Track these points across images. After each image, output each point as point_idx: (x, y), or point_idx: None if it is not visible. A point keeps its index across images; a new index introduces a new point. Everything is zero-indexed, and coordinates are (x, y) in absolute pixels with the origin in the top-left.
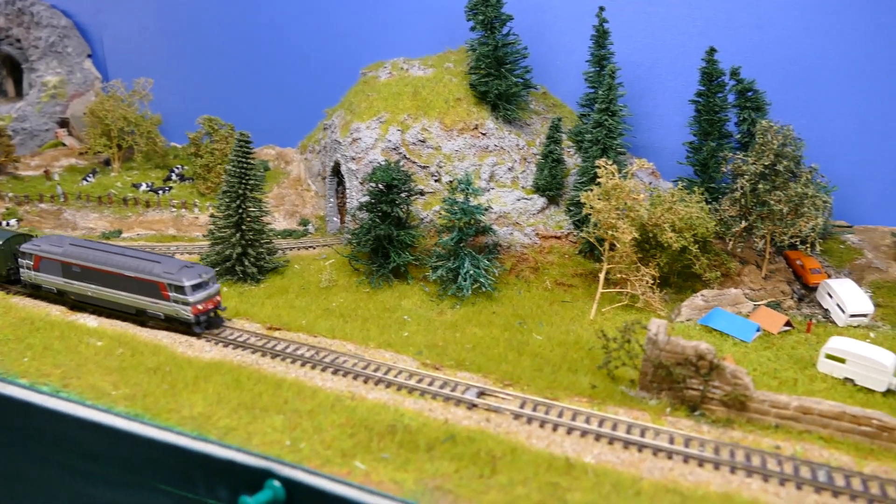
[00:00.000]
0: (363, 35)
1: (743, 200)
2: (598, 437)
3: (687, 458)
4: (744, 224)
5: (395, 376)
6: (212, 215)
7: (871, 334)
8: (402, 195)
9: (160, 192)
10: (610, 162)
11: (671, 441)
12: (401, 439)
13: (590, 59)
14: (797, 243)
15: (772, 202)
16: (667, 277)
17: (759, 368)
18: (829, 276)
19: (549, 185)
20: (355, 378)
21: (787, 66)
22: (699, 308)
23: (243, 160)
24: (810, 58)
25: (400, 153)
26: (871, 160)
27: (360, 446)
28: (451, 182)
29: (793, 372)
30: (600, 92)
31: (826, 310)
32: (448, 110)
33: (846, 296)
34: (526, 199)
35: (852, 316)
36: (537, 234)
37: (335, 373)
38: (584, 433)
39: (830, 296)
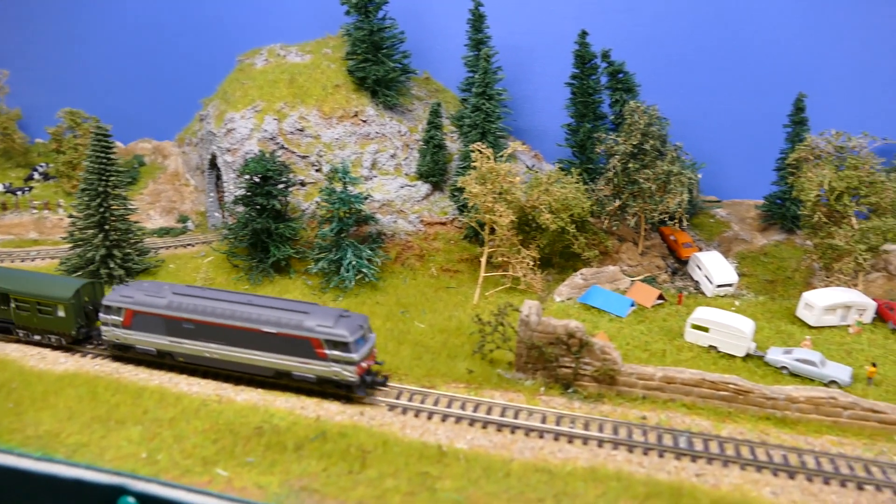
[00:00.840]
0: (241, 20)
1: (616, 180)
2: (472, 422)
3: (557, 436)
4: (617, 203)
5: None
6: (70, 216)
7: (737, 302)
8: (279, 186)
9: (20, 192)
10: (484, 145)
11: (543, 420)
12: (268, 441)
13: (468, 44)
14: (666, 219)
15: (641, 180)
16: (549, 258)
17: (632, 342)
18: (701, 250)
19: (432, 171)
20: (225, 380)
21: (656, 49)
22: (579, 287)
23: (102, 155)
24: (679, 40)
25: (277, 143)
26: (737, 138)
27: (223, 452)
28: (329, 171)
29: (662, 343)
30: (477, 76)
31: (697, 282)
32: (326, 97)
33: (713, 267)
34: (410, 186)
35: (719, 286)
36: (422, 221)
37: (204, 376)
38: (458, 419)
39: (699, 268)
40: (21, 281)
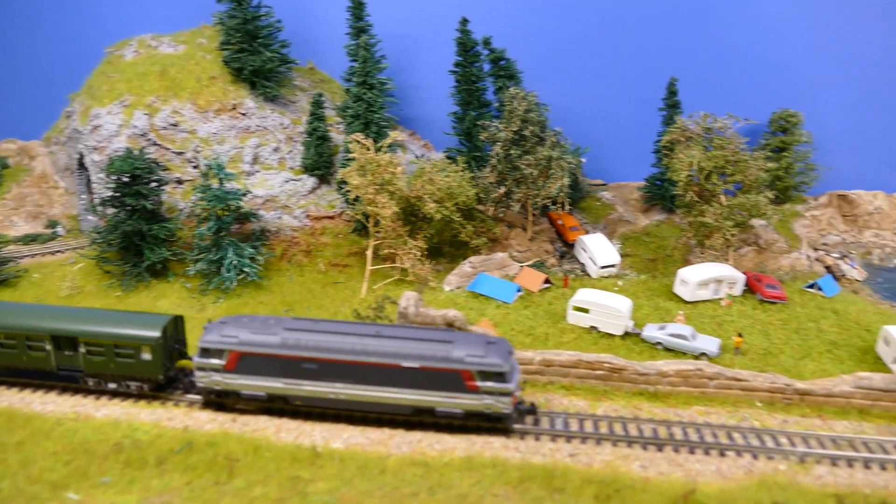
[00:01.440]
0: (112, 9)
1: (499, 167)
2: (350, 420)
3: (438, 428)
4: (502, 190)
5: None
6: None
7: (619, 282)
8: (151, 185)
9: None
10: (363, 136)
11: None
12: (128, 457)
13: (349, 32)
14: (549, 204)
15: (523, 166)
16: (439, 248)
17: (517, 327)
18: (588, 233)
19: (317, 164)
20: (86, 395)
21: (538, 36)
22: (468, 275)
23: None
24: (559, 27)
25: (149, 139)
26: (618, 122)
27: (76, 474)
28: (204, 168)
29: (546, 327)
30: (357, 65)
31: (583, 264)
32: (202, 90)
33: (596, 249)
34: (295, 180)
35: (602, 267)
36: (308, 216)
37: (61, 393)
38: (335, 418)
39: (584, 251)
40: (93, 321)
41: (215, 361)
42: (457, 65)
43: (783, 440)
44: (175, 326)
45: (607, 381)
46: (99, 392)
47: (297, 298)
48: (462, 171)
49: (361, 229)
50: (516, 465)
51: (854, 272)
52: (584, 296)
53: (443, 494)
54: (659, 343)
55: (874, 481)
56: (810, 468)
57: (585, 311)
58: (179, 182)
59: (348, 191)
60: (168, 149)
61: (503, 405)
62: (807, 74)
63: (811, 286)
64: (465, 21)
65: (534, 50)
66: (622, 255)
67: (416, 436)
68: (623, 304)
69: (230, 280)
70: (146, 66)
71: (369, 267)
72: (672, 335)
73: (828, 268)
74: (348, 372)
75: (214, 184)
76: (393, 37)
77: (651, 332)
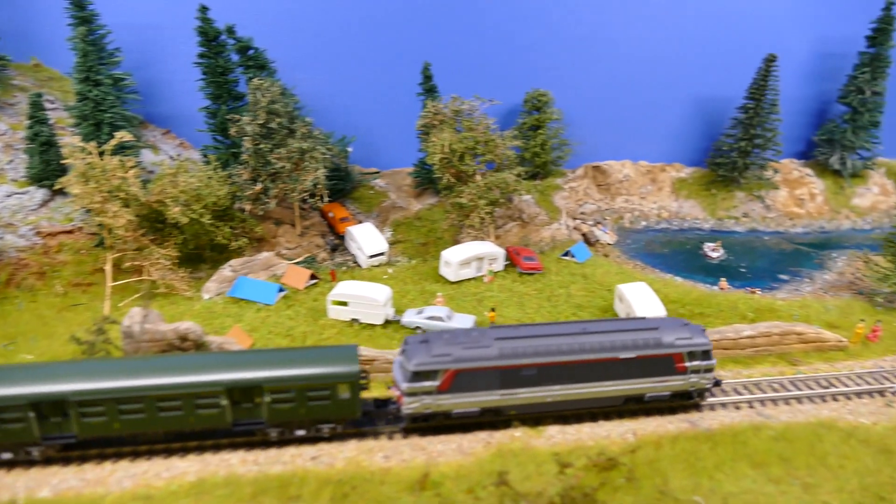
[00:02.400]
0: None
1: (251, 162)
2: (65, 462)
3: (167, 454)
4: (259, 186)
5: None
6: None
7: (390, 270)
8: None
9: None
10: (80, 139)
11: None
12: None
13: (72, 23)
14: (307, 197)
15: (274, 160)
16: (199, 253)
17: (275, 329)
18: (361, 223)
19: (45, 174)
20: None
21: (290, 22)
22: (228, 280)
23: None
24: (310, 12)
25: None
26: (385, 109)
27: None
28: None
29: (306, 325)
30: (77, 59)
31: (354, 255)
32: None
33: (363, 239)
34: (19, 193)
35: (371, 256)
36: (39, 234)
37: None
38: (46, 463)
39: (353, 241)
40: (277, 363)
41: (428, 384)
42: (201, 56)
43: None
44: (355, 361)
45: None
46: (281, 442)
47: (28, 328)
48: (214, 169)
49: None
50: (251, 479)
51: (606, 237)
52: (342, 289)
53: None
54: (418, 327)
55: (598, 433)
56: (543, 431)
57: (345, 304)
58: None
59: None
60: None
61: (706, 381)
62: (554, 55)
63: (566, 254)
64: (204, 9)
65: (287, 38)
66: (394, 242)
67: (142, 466)
68: (381, 293)
69: None
70: None
71: (109, 283)
72: (429, 318)
73: (584, 235)
74: (565, 372)
75: None
76: (131, 27)
77: (410, 317)
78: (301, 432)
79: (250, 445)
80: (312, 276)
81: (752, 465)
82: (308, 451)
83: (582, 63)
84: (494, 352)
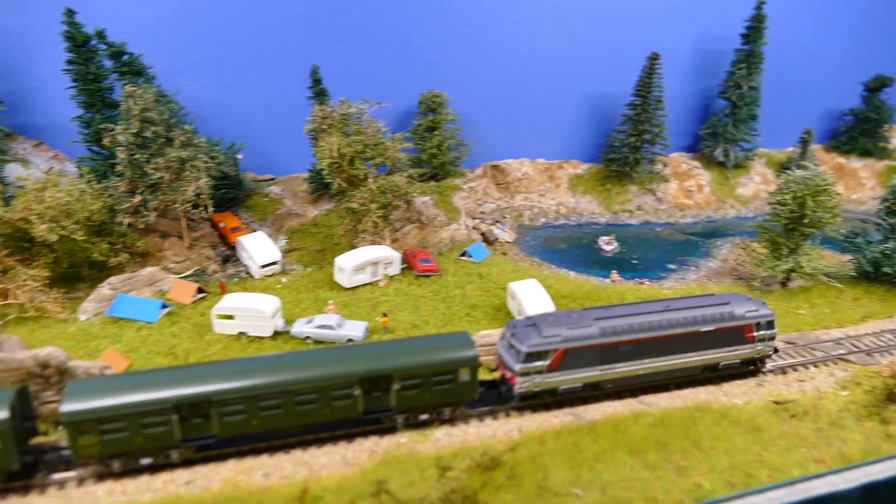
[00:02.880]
0: None
1: (127, 173)
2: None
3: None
4: (137, 199)
5: None
6: None
7: (284, 279)
8: None
9: None
10: None
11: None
12: None
13: None
14: (189, 208)
15: (151, 171)
16: (77, 272)
17: (155, 348)
18: (254, 232)
19: None
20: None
21: (167, 27)
22: (107, 298)
23: None
24: (186, 16)
25: None
26: (276, 114)
27: None
28: None
29: (190, 342)
30: None
31: (246, 265)
32: None
33: (254, 249)
34: None
35: (263, 266)
36: None
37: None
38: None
39: (245, 251)
40: (405, 353)
41: (539, 364)
42: (69, 62)
43: None
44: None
45: None
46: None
47: None
48: (87, 182)
49: None
50: None
51: (504, 235)
52: (227, 302)
53: None
54: (308, 337)
55: (484, 433)
56: (430, 435)
57: (230, 317)
58: None
59: None
60: None
61: (769, 349)
62: (448, 56)
63: (463, 254)
64: (70, 12)
65: (167, 43)
66: (290, 250)
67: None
68: (269, 304)
69: None
70: None
71: None
72: (319, 327)
73: (483, 234)
74: (655, 347)
75: None
76: None
77: (300, 327)
78: (424, 416)
79: (116, 475)
80: (200, 290)
81: (630, 452)
82: (182, 475)
83: (476, 63)
84: (596, 331)
